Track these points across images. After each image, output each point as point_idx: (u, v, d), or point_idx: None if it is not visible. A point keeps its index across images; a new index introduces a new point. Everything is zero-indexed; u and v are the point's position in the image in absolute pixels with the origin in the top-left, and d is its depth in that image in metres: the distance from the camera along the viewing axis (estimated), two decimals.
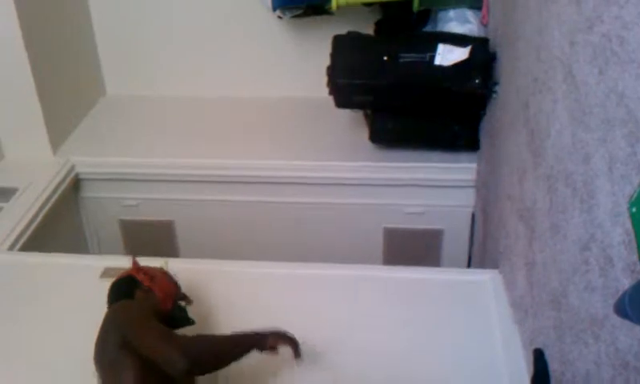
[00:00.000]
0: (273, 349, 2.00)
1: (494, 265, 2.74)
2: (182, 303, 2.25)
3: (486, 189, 3.06)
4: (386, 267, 3.00)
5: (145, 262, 2.31)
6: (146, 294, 2.12)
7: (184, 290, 2.28)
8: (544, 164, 2.03)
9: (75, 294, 2.63)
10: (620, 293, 1.27)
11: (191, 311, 2.25)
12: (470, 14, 3.37)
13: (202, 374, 1.93)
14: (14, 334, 2.45)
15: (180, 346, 1.82)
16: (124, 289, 2.13)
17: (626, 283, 1.36)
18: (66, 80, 3.80)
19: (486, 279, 2.62)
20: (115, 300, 2.09)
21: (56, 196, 3.38)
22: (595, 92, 1.60)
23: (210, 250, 3.25)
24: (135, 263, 2.25)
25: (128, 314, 1.98)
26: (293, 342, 2.03)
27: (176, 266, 2.36)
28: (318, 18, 3.70)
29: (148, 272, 2.21)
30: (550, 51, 2.03)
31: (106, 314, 1.99)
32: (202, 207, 3.61)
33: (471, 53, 3.05)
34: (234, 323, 2.19)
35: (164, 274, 2.25)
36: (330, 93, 3.32)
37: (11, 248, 2.98)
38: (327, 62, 3.30)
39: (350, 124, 3.69)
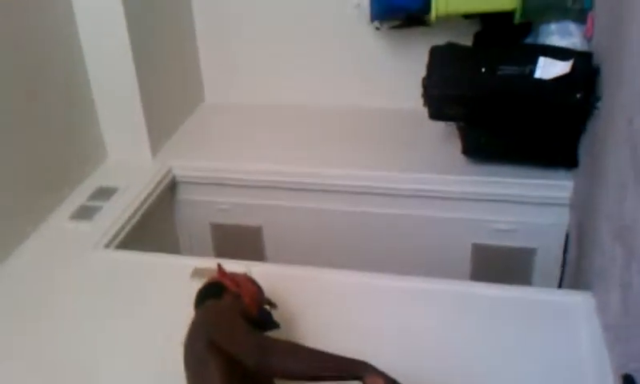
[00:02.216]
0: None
1: (586, 287, 2.62)
2: (267, 307, 2.26)
3: (583, 207, 2.94)
4: (472, 283, 2.92)
5: (230, 265, 2.34)
6: (233, 299, 2.14)
7: (268, 294, 2.30)
8: None
9: (165, 292, 2.70)
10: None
11: (275, 316, 2.26)
12: (573, 27, 3.25)
13: (275, 375, 1.85)
14: (105, 330, 2.54)
15: (257, 340, 1.81)
16: (212, 293, 2.15)
17: None
18: (168, 86, 3.94)
19: (578, 301, 2.51)
20: (203, 304, 2.10)
21: (153, 197, 3.50)
22: None
23: (297, 256, 3.27)
24: (221, 269, 2.27)
25: (217, 314, 2.00)
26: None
27: (260, 271, 2.38)
28: (417, 29, 3.68)
29: (234, 278, 2.23)
30: None
31: (196, 315, 2.01)
32: (290, 214, 3.64)
33: (573, 67, 2.95)
34: (317, 331, 2.19)
35: (249, 279, 2.26)
36: (425, 104, 3.29)
37: (108, 246, 3.09)
38: (424, 73, 3.27)
39: (444, 137, 3.64)
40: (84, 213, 3.29)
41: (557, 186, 3.24)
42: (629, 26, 2.40)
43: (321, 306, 2.55)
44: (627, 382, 1.88)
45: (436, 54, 3.28)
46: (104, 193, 3.44)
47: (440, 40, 3.39)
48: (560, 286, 3.37)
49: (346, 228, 3.59)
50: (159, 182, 3.59)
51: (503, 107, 3.16)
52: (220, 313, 2.01)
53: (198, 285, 2.35)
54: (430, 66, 3.26)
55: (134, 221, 3.30)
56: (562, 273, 3.38)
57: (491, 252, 3.45)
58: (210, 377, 1.81)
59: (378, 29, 3.79)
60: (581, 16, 3.22)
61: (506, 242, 3.41)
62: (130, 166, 3.63)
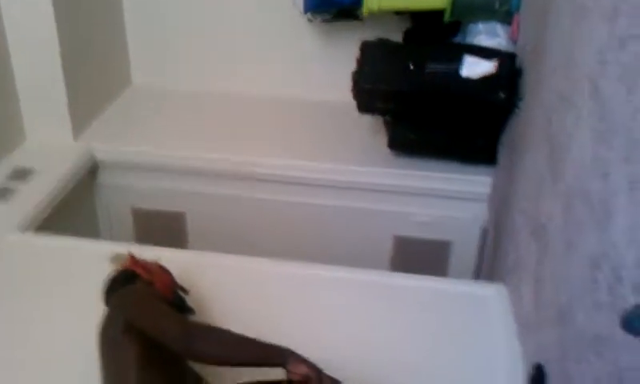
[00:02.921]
0: (293, 374, 1.71)
1: (501, 280, 2.72)
2: (180, 293, 2.25)
3: (501, 203, 3.03)
4: (391, 273, 2.98)
5: (148, 251, 2.32)
6: (146, 286, 2.11)
7: (183, 281, 2.29)
8: (562, 180, 2.00)
9: (83, 278, 2.62)
10: (627, 309, 1.24)
11: (189, 301, 2.26)
12: (499, 28, 3.34)
13: (200, 360, 1.83)
14: (19, 316, 2.47)
15: (181, 323, 1.78)
16: (123, 281, 2.08)
17: (633, 303, 1.34)
18: (93, 67, 3.83)
19: (492, 293, 2.59)
20: (113, 291, 2.03)
21: (73, 180, 3.39)
22: (621, 111, 1.57)
23: (221, 244, 3.24)
24: (133, 257, 2.22)
25: (136, 298, 1.98)
26: (315, 372, 1.69)
27: (178, 257, 2.37)
28: (348, 23, 3.70)
29: (145, 265, 2.20)
30: (578, 68, 2.00)
31: (112, 299, 1.98)
32: (215, 201, 3.61)
33: (498, 66, 3.03)
34: (233, 318, 2.18)
35: (159, 267, 2.24)
36: (354, 97, 3.32)
37: (25, 230, 2.98)
38: (354, 67, 3.30)
39: (371, 130, 3.68)
40: None
41: (476, 182, 3.34)
42: (550, 30, 2.48)
43: (239, 293, 2.54)
44: (537, 371, 1.96)
45: (367, 48, 3.31)
46: (21, 174, 3.31)
47: (371, 35, 3.43)
48: (476, 278, 3.47)
49: (269, 217, 3.58)
50: (80, 165, 3.48)
51: (430, 103, 3.22)
52: (139, 297, 1.99)
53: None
54: (361, 61, 3.29)
55: (52, 204, 3.19)
56: (478, 266, 3.48)
57: (411, 244, 3.52)
58: (125, 361, 1.80)
59: (310, 21, 3.79)
60: (507, 18, 3.31)
61: (426, 235, 3.49)
62: (50, 148, 3.50)
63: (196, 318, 2.24)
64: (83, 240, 3.00)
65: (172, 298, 2.16)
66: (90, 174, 3.62)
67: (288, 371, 1.69)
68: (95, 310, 2.36)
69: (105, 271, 2.52)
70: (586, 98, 1.86)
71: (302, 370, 1.68)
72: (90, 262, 2.68)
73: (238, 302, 2.49)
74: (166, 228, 3.71)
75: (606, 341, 1.49)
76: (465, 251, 3.49)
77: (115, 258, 2.60)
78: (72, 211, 3.40)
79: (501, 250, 2.90)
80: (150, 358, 1.80)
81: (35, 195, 3.16)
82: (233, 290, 2.56)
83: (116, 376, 1.83)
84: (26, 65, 3.42)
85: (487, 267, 3.27)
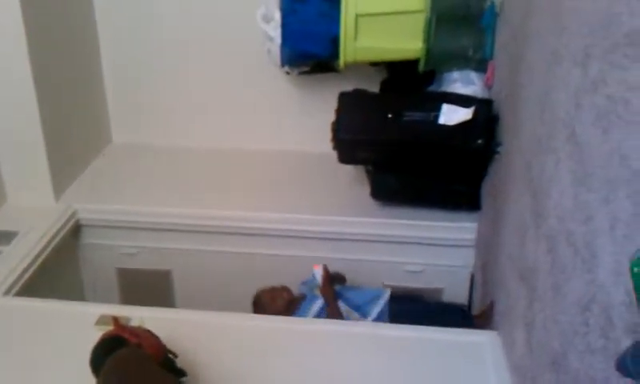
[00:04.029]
0: None
1: (492, 326, 2.70)
2: (170, 356, 2.23)
3: (487, 249, 3.05)
4: (383, 325, 2.96)
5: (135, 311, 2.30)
6: (135, 349, 2.09)
7: (171, 341, 2.26)
8: (545, 224, 2.02)
9: (69, 341, 2.59)
10: (621, 352, 1.24)
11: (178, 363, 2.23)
12: (474, 75, 3.40)
13: None
14: (7, 380, 2.41)
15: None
16: (111, 349, 2.07)
17: (627, 344, 1.34)
18: (73, 127, 3.83)
19: (484, 340, 2.58)
20: (101, 360, 2.03)
21: (55, 242, 3.37)
22: (599, 153, 1.60)
23: (207, 300, 3.22)
24: (117, 322, 2.21)
25: (128, 362, 1.99)
26: None
27: (162, 316, 2.34)
28: (325, 75, 3.75)
29: (132, 330, 2.19)
30: (553, 113, 2.04)
31: (106, 367, 1.96)
32: (200, 257, 3.60)
33: (475, 113, 3.08)
34: (221, 375, 2.16)
35: (146, 331, 2.23)
36: (334, 148, 3.34)
37: (7, 293, 2.95)
38: (332, 118, 3.33)
39: (353, 180, 3.70)
40: None
41: (462, 229, 3.36)
42: (525, 75, 2.53)
43: (229, 351, 2.51)
44: None
45: (344, 99, 3.35)
46: (3, 237, 3.28)
47: (348, 86, 3.48)
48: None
49: (257, 270, 3.56)
50: (62, 226, 3.46)
51: (409, 152, 3.26)
52: (132, 360, 1.99)
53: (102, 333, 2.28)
54: (339, 111, 3.32)
55: (35, 266, 3.16)
56: (469, 312, 3.47)
57: (401, 293, 3.50)
58: None
59: (288, 73, 3.83)
60: (481, 65, 3.37)
61: (416, 283, 3.48)
62: (31, 210, 3.47)
63: (187, 379, 2.22)
64: (67, 302, 2.96)
65: (162, 360, 2.14)
66: (72, 235, 3.60)
67: None
68: (80, 376, 2.34)
69: (90, 335, 2.50)
70: (564, 141, 1.90)
71: None
72: (75, 325, 2.67)
73: (228, 359, 2.46)
74: (151, 286, 3.67)
75: None
76: (456, 298, 3.48)
77: (101, 320, 2.58)
78: (55, 272, 3.37)
79: (490, 296, 2.90)
80: None
81: (17, 258, 3.13)
82: (222, 348, 2.53)
83: None
84: (6, 127, 3.42)
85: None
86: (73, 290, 3.63)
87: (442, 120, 3.14)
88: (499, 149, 2.97)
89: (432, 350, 2.55)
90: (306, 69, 3.79)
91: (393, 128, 3.24)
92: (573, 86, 1.86)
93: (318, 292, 3.04)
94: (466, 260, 3.40)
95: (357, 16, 3.29)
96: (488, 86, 3.35)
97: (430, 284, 3.51)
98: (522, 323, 2.22)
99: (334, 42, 3.37)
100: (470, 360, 2.49)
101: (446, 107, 3.14)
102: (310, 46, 3.49)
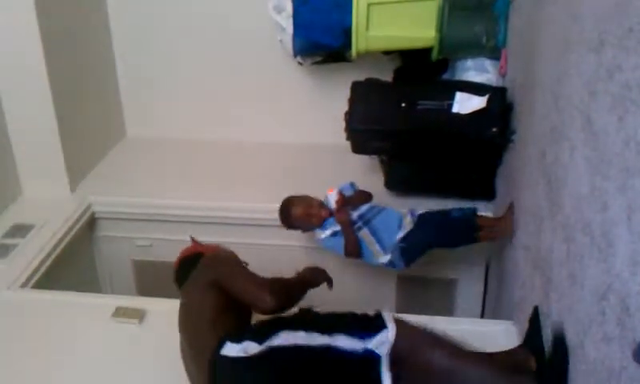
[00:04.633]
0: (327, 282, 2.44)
1: (508, 316, 2.69)
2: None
3: (502, 239, 3.03)
4: (401, 315, 2.95)
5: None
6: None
7: None
8: (561, 213, 2.01)
9: (86, 333, 2.62)
10: (638, 341, 1.24)
11: None
12: (488, 63, 3.38)
13: (282, 311, 2.14)
14: (25, 372, 2.44)
15: (267, 286, 2.12)
16: (192, 263, 2.36)
17: None
18: (88, 120, 3.86)
19: (500, 330, 2.57)
20: (187, 272, 2.35)
21: (71, 234, 3.39)
22: (614, 140, 1.58)
23: None
24: (194, 240, 2.58)
25: (219, 259, 2.36)
26: (328, 277, 2.46)
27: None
28: (338, 64, 3.74)
29: (208, 246, 2.56)
30: (568, 100, 2.02)
31: (202, 261, 2.34)
32: None
33: (489, 102, 3.06)
34: None
35: (219, 245, 2.61)
36: (348, 138, 3.34)
37: (24, 285, 2.98)
38: (346, 108, 3.32)
39: (367, 170, 3.69)
40: None
41: None
42: (538, 63, 2.51)
43: None
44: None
45: (357, 89, 3.34)
46: (19, 230, 3.31)
47: (361, 75, 3.46)
48: (482, 315, 3.44)
49: (271, 262, 3.54)
50: (78, 218, 3.48)
51: (423, 141, 3.25)
52: (222, 258, 2.40)
53: (119, 325, 2.31)
54: (352, 101, 3.31)
55: (51, 259, 3.18)
56: (484, 302, 3.46)
57: (415, 283, 3.50)
58: (204, 302, 2.13)
59: (300, 64, 3.83)
60: (495, 53, 3.35)
61: (430, 273, 3.47)
62: (47, 202, 3.50)
63: None
64: (83, 294, 2.99)
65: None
66: (87, 227, 3.62)
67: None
68: (97, 367, 2.36)
69: (107, 326, 2.52)
70: (579, 129, 1.88)
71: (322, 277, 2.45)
72: (92, 317, 2.69)
73: None
74: (167, 278, 3.67)
75: (619, 374, 1.47)
76: (471, 289, 3.47)
77: (118, 312, 2.63)
78: (71, 265, 3.39)
79: (505, 286, 2.89)
80: (226, 311, 2.13)
81: (34, 250, 3.16)
82: None
83: (199, 313, 2.14)
84: (21, 119, 3.44)
85: (493, 303, 3.25)
86: (89, 282, 3.66)
87: (455, 109, 3.12)
88: (513, 137, 2.96)
89: None
90: (318, 59, 3.78)
91: (406, 117, 3.22)
92: (587, 72, 1.84)
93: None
94: (480, 250, 3.37)
95: (369, 5, 3.28)
96: (502, 74, 3.32)
97: (444, 274, 3.49)
98: None
99: (346, 31, 3.36)
100: (485, 349, 2.48)
101: (459, 96, 3.12)
102: (322, 36, 3.48)
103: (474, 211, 2.93)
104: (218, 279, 2.19)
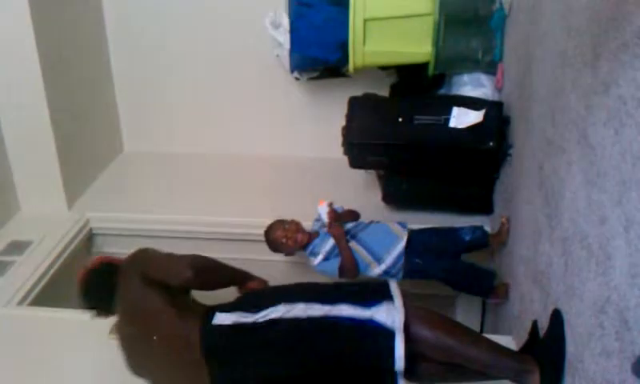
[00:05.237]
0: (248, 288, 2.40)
1: (507, 330, 2.69)
2: None
3: (500, 252, 3.03)
4: None
5: None
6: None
7: None
8: (559, 226, 2.01)
9: (84, 350, 2.60)
10: (637, 355, 1.23)
11: None
12: (484, 78, 3.39)
13: (203, 288, 2.20)
14: None
15: (189, 259, 2.13)
16: (107, 276, 2.22)
17: None
18: (85, 136, 3.87)
19: None
20: (102, 286, 2.22)
21: (69, 251, 3.39)
22: (611, 153, 1.59)
23: None
24: (99, 258, 2.40)
25: (137, 258, 2.23)
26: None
27: None
28: (335, 80, 3.75)
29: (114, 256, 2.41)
30: (564, 114, 2.03)
31: (121, 271, 2.19)
32: None
33: (485, 116, 3.07)
34: None
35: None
36: (345, 153, 3.34)
37: (22, 302, 2.97)
38: (343, 122, 3.33)
39: (364, 184, 3.70)
40: None
41: None
42: (535, 77, 2.52)
43: None
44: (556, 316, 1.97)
45: (354, 104, 3.35)
46: (17, 247, 3.31)
47: (358, 90, 3.47)
48: (482, 330, 3.43)
49: (272, 277, 3.54)
50: (75, 235, 3.48)
51: (420, 155, 3.25)
52: (140, 255, 2.25)
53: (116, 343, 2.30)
54: (349, 116, 3.32)
55: (48, 276, 3.18)
56: (483, 317, 3.45)
57: (413, 299, 3.47)
58: (151, 300, 2.05)
59: (297, 79, 3.83)
60: (491, 67, 3.36)
61: (429, 289, 3.45)
62: (44, 218, 3.50)
63: None
64: (80, 312, 2.95)
65: None
66: (85, 244, 3.62)
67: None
68: (94, 382, 2.34)
69: (104, 344, 2.51)
70: (575, 142, 1.89)
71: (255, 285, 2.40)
72: (88, 335, 2.67)
73: None
74: None
75: None
76: (470, 303, 3.46)
77: (114, 330, 2.60)
78: (69, 281, 3.32)
79: (504, 300, 2.88)
80: (171, 300, 2.06)
81: (31, 267, 3.16)
82: None
83: (151, 318, 2.06)
84: (19, 136, 3.45)
85: (492, 318, 3.24)
86: None
87: (452, 123, 3.13)
88: (510, 151, 2.96)
89: None
90: (315, 74, 3.79)
91: (403, 132, 3.23)
92: (583, 86, 1.85)
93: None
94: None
95: (365, 20, 3.29)
96: (498, 89, 3.33)
97: (442, 290, 3.47)
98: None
99: (343, 46, 3.37)
100: None
101: (456, 110, 3.13)
102: (318, 52, 3.50)
103: (484, 233, 2.99)
104: (144, 271, 2.12)
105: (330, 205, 2.99)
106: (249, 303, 2.06)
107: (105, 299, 2.19)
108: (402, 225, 2.98)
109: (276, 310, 1.97)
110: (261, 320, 1.96)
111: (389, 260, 2.91)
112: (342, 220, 3.00)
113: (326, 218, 2.97)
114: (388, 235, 2.95)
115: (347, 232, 2.96)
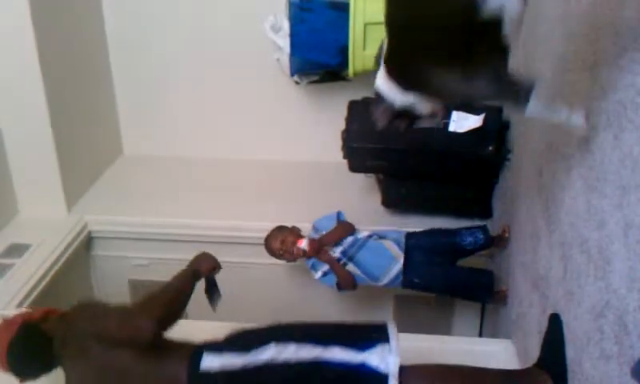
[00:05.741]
0: (209, 272, 2.28)
1: (506, 334, 2.69)
2: None
3: (499, 256, 3.03)
4: (400, 334, 2.94)
5: None
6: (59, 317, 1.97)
7: None
8: (558, 231, 2.01)
9: None
10: (636, 359, 1.23)
11: None
12: None
13: (166, 329, 1.87)
14: None
15: (138, 311, 1.83)
16: (39, 339, 1.92)
17: None
18: (85, 139, 3.86)
19: (499, 349, 2.57)
20: (29, 361, 1.91)
21: (67, 254, 3.39)
22: (610, 158, 1.59)
23: (220, 311, 3.21)
24: (15, 317, 2.01)
25: (81, 319, 1.90)
26: (216, 262, 2.32)
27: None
28: (335, 84, 3.76)
29: (35, 312, 2.05)
30: None
31: (62, 341, 1.87)
32: None
33: (485, 120, 3.07)
34: None
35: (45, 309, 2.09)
36: (345, 157, 3.34)
37: (20, 305, 2.96)
38: (342, 126, 3.33)
39: (364, 188, 3.70)
40: None
41: None
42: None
43: None
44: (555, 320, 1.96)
45: (354, 108, 3.35)
46: (16, 250, 3.31)
47: (358, 94, 3.46)
48: (480, 334, 3.43)
49: (271, 280, 3.56)
50: (74, 238, 3.48)
51: (419, 159, 3.25)
52: (79, 313, 1.93)
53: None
54: (349, 120, 3.32)
55: (47, 279, 3.18)
56: (482, 320, 3.45)
57: (413, 302, 3.49)
58: (121, 361, 1.80)
59: (297, 83, 3.84)
60: None
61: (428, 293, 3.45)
62: (43, 221, 3.49)
63: None
64: None
65: None
66: (84, 247, 3.62)
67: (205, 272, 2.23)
68: None
69: None
70: (575, 147, 1.89)
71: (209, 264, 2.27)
72: None
73: None
74: None
75: None
76: (469, 307, 3.46)
77: None
78: (68, 285, 3.38)
79: (503, 304, 2.88)
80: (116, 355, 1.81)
81: (30, 270, 3.15)
82: None
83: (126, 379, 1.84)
84: (19, 139, 3.45)
85: (491, 322, 3.24)
86: None
87: (452, 127, 3.13)
88: (510, 156, 2.96)
89: (446, 359, 2.52)
90: (315, 78, 3.79)
91: (402, 136, 3.22)
92: (582, 91, 1.85)
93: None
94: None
95: (365, 25, 3.29)
96: None
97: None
98: (536, 331, 2.20)
99: (343, 50, 3.37)
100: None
101: (456, 115, 3.13)
102: (318, 55, 3.50)
103: (487, 236, 2.99)
104: (97, 332, 1.82)
105: (311, 240, 3.06)
106: (238, 342, 1.90)
107: (34, 366, 1.93)
108: (398, 242, 3.01)
109: (267, 350, 1.82)
110: (251, 365, 1.81)
111: (386, 280, 2.99)
112: (329, 243, 3.05)
113: (309, 251, 3.03)
114: (385, 257, 3.00)
115: (344, 253, 3.02)
